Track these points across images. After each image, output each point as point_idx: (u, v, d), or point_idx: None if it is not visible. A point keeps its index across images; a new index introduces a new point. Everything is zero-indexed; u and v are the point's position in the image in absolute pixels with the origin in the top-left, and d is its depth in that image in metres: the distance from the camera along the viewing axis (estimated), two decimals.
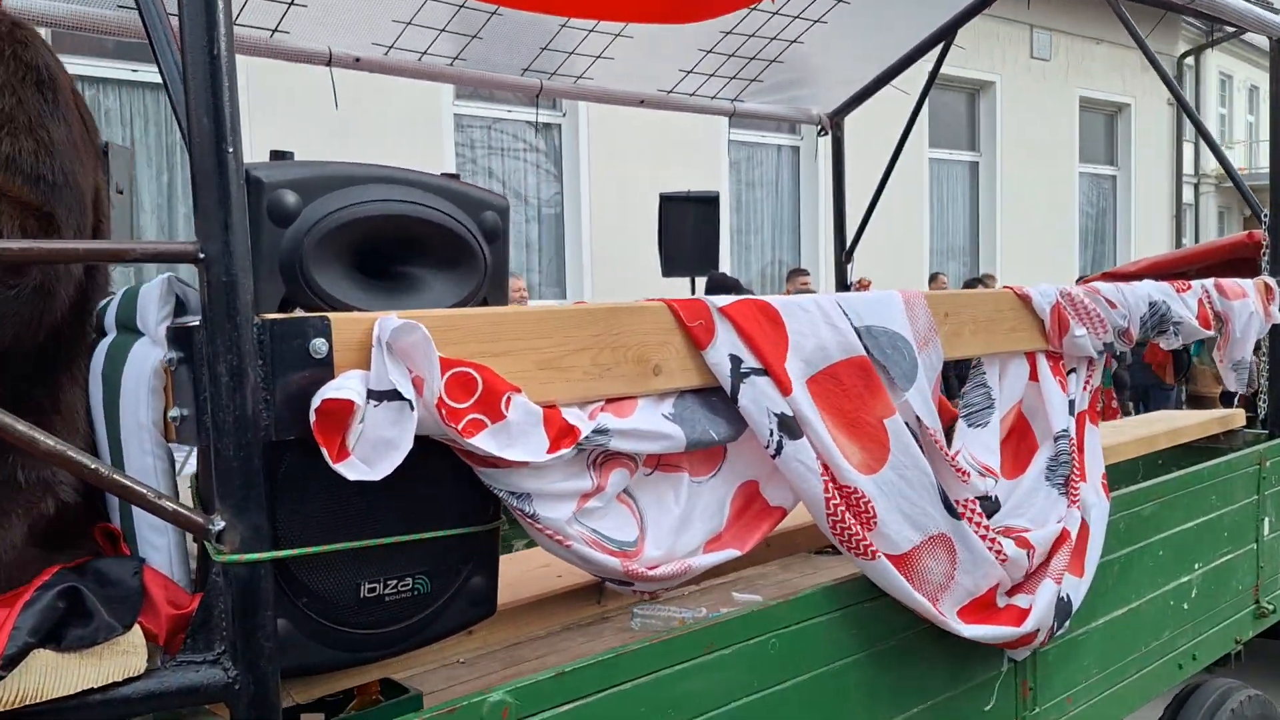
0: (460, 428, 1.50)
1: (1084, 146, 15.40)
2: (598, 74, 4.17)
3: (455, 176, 1.79)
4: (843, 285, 5.23)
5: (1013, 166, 14.16)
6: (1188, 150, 17.69)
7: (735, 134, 11.42)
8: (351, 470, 1.39)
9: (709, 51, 4.21)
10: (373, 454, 1.41)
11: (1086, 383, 2.81)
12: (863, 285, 9.24)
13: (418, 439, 1.44)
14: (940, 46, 4.62)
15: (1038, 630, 2.35)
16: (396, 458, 1.41)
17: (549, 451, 1.60)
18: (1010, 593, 2.36)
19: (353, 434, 1.40)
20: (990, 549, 2.25)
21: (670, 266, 8.02)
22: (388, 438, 1.41)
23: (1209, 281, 3.41)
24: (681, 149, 10.46)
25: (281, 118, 8.19)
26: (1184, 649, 3.27)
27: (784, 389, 1.90)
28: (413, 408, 1.42)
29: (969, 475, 2.27)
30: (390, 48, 3.62)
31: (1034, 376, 2.64)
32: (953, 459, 2.24)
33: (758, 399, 1.88)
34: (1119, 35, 15.35)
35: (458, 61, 3.82)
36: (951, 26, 4.47)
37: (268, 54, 3.36)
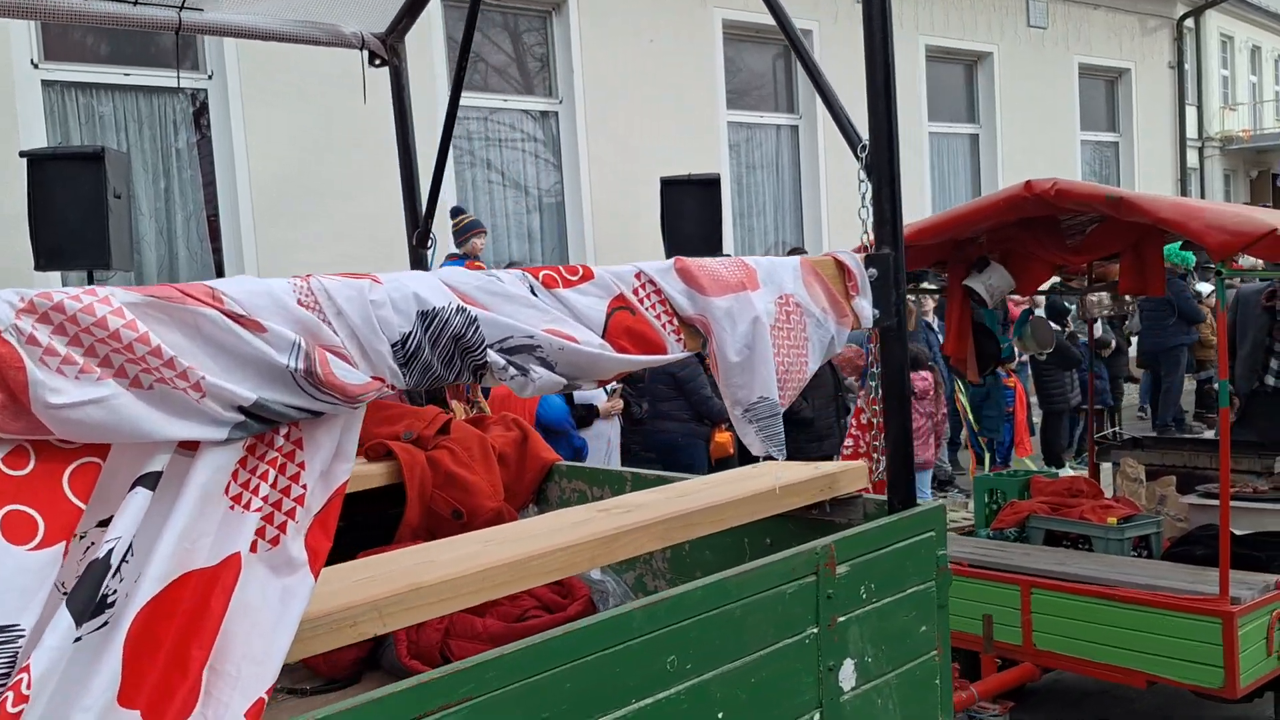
0: None
1: (1085, 114, 15.30)
2: None
3: None
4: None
5: (1013, 137, 14.06)
6: (1190, 114, 17.56)
7: (733, 115, 11.37)
8: None
9: None
10: None
11: (242, 487, 1.39)
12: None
13: None
14: None
15: None
16: None
17: None
18: None
19: None
20: None
21: (674, 251, 8.01)
22: None
23: (663, 265, 1.90)
24: (680, 132, 10.42)
25: (282, 110, 8.17)
26: None
27: None
28: None
29: None
30: None
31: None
32: None
33: None
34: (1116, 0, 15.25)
35: None
36: None
37: None
